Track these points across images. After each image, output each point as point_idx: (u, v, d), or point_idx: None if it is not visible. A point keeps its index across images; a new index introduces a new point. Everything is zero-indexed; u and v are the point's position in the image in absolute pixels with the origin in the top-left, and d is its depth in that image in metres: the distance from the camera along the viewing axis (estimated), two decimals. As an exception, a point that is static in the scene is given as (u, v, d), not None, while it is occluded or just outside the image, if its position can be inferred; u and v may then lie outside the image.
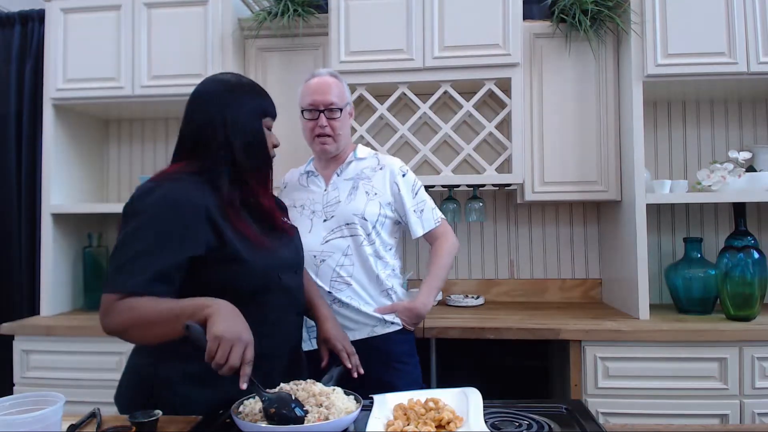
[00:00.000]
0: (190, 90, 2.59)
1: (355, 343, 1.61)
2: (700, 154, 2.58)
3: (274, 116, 1.36)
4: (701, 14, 2.14)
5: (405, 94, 2.32)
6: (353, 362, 1.44)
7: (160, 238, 1.13)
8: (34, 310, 2.59)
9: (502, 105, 2.33)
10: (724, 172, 2.17)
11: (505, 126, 2.43)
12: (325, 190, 1.75)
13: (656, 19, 2.15)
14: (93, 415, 1.16)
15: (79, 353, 2.19)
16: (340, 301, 1.66)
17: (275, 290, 1.28)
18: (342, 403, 1.08)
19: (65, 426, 1.08)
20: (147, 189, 1.19)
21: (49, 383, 2.16)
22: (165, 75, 2.36)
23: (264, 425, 1.00)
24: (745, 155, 2.23)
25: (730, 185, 2.17)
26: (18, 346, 2.24)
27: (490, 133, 2.31)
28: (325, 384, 1.18)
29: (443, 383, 2.06)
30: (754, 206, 2.51)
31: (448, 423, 1.02)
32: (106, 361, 2.17)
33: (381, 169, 1.77)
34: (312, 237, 1.68)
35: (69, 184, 2.54)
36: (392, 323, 1.70)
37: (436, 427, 1.02)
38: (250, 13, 2.55)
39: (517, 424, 1.09)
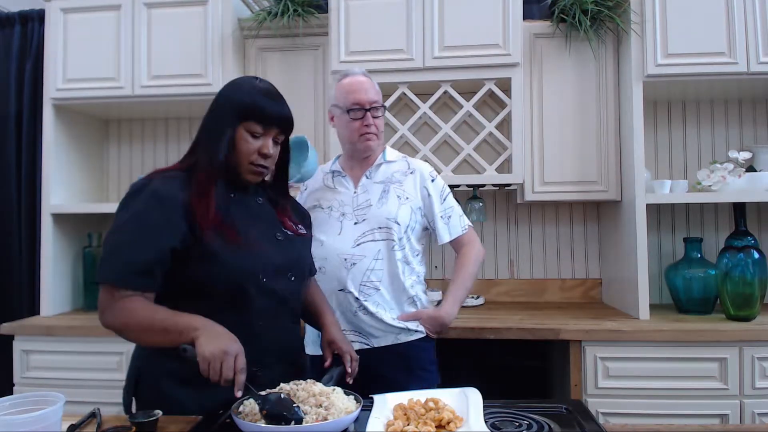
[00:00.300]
0: (190, 90, 2.59)
1: (378, 349, 1.62)
2: (700, 154, 2.58)
3: (265, 122, 1.27)
4: (701, 14, 2.14)
5: (405, 94, 2.32)
6: (353, 367, 1.40)
7: (142, 232, 1.18)
8: (34, 310, 2.59)
9: (502, 105, 2.33)
10: (724, 172, 2.17)
11: (505, 126, 2.43)
12: (355, 192, 1.73)
13: (656, 19, 2.15)
14: (93, 415, 1.16)
15: (79, 353, 2.19)
16: (365, 309, 1.64)
17: (258, 293, 1.25)
18: (342, 403, 1.08)
19: (65, 426, 1.08)
20: (137, 186, 1.23)
21: (49, 383, 2.16)
22: (165, 75, 2.36)
23: (264, 425, 1.00)
24: (745, 155, 2.22)
25: (730, 185, 2.17)
26: (18, 346, 2.24)
27: (490, 133, 2.31)
28: (325, 384, 1.19)
29: (443, 383, 2.05)
30: (754, 206, 2.51)
31: (448, 423, 1.02)
32: (106, 361, 2.17)
33: (411, 173, 1.77)
34: (342, 240, 1.66)
35: (69, 184, 2.54)
36: (416, 331, 1.69)
37: (436, 427, 1.02)
38: (250, 13, 2.55)
39: (517, 424, 1.09)
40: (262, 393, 1.08)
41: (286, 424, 1.01)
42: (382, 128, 1.75)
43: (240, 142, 1.27)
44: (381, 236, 1.66)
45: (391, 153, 1.81)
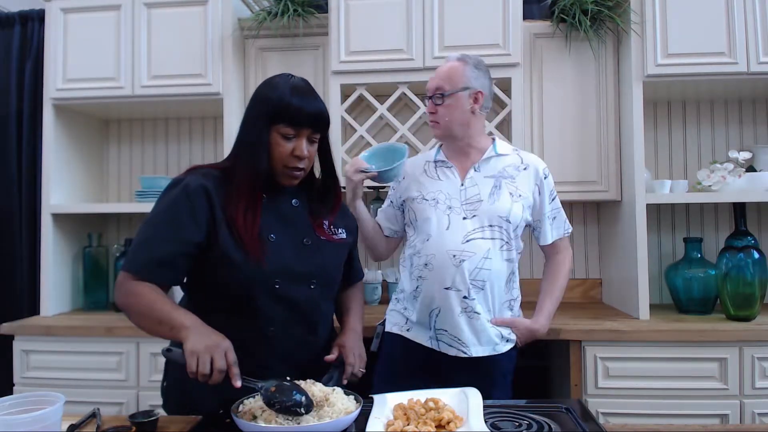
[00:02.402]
0: (190, 90, 2.58)
1: (474, 359, 1.57)
2: (700, 154, 2.58)
3: (295, 123, 1.23)
4: (701, 14, 2.14)
5: (405, 94, 2.32)
6: (348, 377, 1.35)
7: (168, 226, 1.20)
8: (34, 310, 2.59)
9: (502, 105, 2.33)
10: (724, 172, 2.17)
11: (505, 126, 2.42)
12: (462, 185, 1.65)
13: (656, 19, 2.15)
14: (93, 415, 1.16)
15: (79, 353, 2.19)
16: (471, 309, 1.57)
17: (270, 299, 1.23)
18: (342, 403, 1.08)
19: (65, 426, 1.08)
20: (173, 181, 1.26)
21: (49, 383, 2.16)
22: (165, 75, 2.35)
23: (264, 425, 1.00)
24: (745, 155, 2.23)
25: (730, 185, 2.17)
26: (18, 346, 2.24)
27: (490, 133, 2.31)
28: (325, 384, 1.19)
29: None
30: (754, 206, 2.51)
31: (448, 423, 1.03)
32: (106, 361, 2.17)
33: (525, 168, 1.69)
34: (451, 235, 1.58)
35: (69, 184, 2.54)
36: (508, 340, 1.65)
37: (436, 427, 1.02)
38: (250, 13, 2.55)
39: (517, 423, 1.09)
40: (260, 383, 1.08)
41: (296, 409, 1.02)
42: (450, 117, 1.64)
43: (273, 146, 1.24)
44: (491, 234, 1.60)
45: (502, 146, 1.72)
